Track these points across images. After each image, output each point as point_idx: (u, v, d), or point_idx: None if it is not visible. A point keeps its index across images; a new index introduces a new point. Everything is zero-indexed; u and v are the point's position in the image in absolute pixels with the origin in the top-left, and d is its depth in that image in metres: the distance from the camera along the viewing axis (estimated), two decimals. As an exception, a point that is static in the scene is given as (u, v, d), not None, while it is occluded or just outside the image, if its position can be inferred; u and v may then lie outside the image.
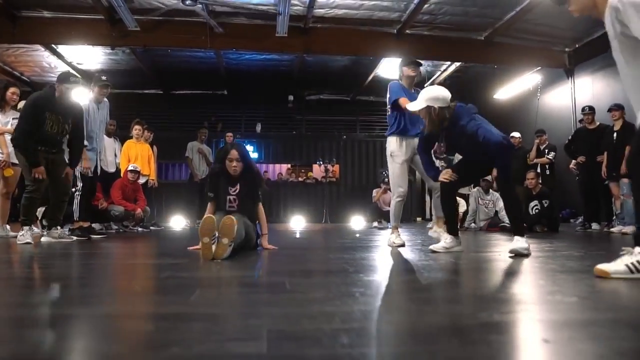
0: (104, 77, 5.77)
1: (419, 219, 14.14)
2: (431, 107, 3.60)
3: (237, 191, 3.97)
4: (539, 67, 11.78)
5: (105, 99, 5.74)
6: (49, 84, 4.95)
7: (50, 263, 3.33)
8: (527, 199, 7.09)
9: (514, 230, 3.50)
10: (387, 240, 4.40)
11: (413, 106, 3.72)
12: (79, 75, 4.87)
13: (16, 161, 5.15)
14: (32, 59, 11.27)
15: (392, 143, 4.37)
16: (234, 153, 3.96)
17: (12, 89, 5.74)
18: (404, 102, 4.18)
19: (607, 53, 2.64)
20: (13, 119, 5.49)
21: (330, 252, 4.12)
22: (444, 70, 12.27)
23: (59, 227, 4.77)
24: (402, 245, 4.24)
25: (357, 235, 6.74)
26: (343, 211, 13.46)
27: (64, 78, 4.70)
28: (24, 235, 4.37)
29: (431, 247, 3.71)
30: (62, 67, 11.66)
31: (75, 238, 4.92)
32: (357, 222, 12.52)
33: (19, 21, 9.34)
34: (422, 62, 4.25)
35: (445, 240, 3.68)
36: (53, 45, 10.51)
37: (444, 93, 3.67)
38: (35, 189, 4.56)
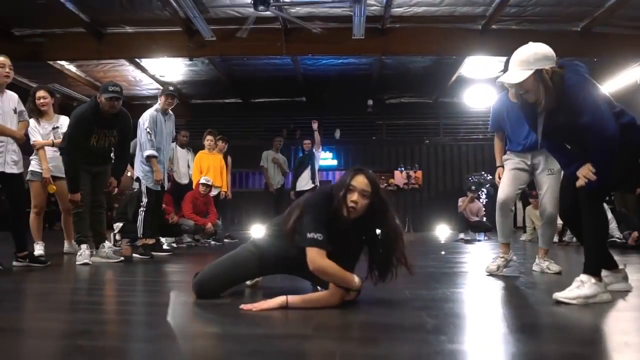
0: (171, 88, 5.49)
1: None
2: (542, 71, 2.53)
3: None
4: (646, 59, 10.61)
5: (171, 112, 5.36)
6: (93, 96, 4.59)
7: (72, 308, 2.63)
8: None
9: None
10: (538, 265, 3.82)
11: (513, 77, 2.61)
12: (119, 85, 4.53)
13: (59, 174, 4.85)
14: (119, 74, 11.69)
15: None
16: (361, 180, 2.36)
17: (39, 93, 4.97)
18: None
19: None
20: (53, 128, 5.00)
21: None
22: (536, 67, 11.33)
23: (105, 244, 4.49)
24: (559, 272, 3.69)
25: (451, 256, 6.09)
26: (427, 219, 12.88)
27: (103, 88, 4.35)
28: (82, 255, 4.20)
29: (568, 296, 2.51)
30: (146, 80, 12.07)
31: (139, 256, 4.78)
32: (442, 231, 11.91)
33: (105, 38, 9.71)
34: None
35: (589, 285, 2.50)
36: (137, 60, 10.83)
37: (547, 49, 2.64)
38: (78, 205, 4.36)
